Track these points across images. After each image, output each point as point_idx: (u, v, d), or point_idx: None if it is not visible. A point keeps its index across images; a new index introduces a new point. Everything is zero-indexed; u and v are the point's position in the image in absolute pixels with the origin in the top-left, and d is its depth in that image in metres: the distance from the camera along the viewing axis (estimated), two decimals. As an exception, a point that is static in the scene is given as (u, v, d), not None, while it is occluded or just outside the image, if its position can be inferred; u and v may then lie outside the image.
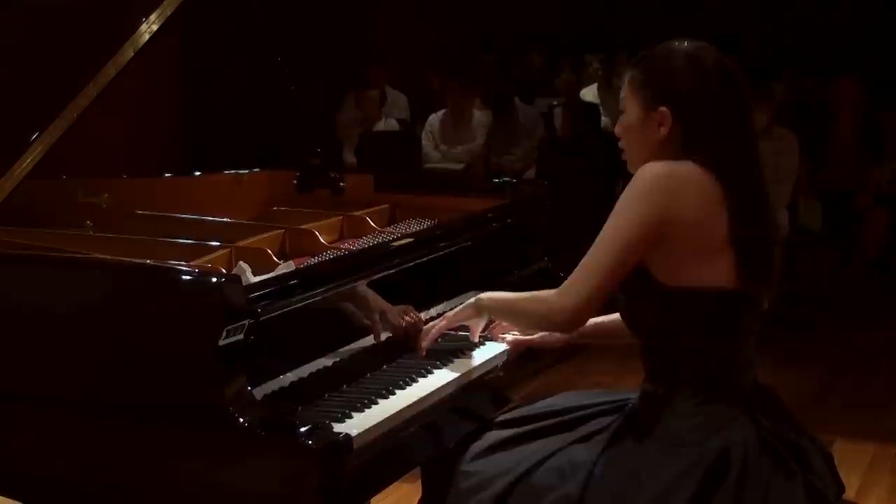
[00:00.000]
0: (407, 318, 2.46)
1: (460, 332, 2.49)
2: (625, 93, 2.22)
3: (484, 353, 2.47)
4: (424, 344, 2.39)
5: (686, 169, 2.08)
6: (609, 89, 8.45)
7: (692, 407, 2.08)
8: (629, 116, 2.20)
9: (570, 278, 2.15)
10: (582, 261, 2.13)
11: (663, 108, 2.12)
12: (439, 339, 2.48)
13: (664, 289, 2.08)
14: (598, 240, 2.11)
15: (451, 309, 2.66)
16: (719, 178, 2.07)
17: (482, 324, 2.47)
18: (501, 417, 2.36)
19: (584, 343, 2.59)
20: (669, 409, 2.10)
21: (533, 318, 2.29)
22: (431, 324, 2.44)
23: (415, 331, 2.44)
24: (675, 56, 2.15)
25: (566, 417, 2.27)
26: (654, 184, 2.07)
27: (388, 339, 2.40)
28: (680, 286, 2.07)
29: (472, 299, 2.40)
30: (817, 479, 2.08)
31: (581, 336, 2.48)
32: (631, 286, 2.13)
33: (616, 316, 2.34)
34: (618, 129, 2.24)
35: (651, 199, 2.06)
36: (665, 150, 2.13)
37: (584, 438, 2.19)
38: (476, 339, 2.46)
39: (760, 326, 2.18)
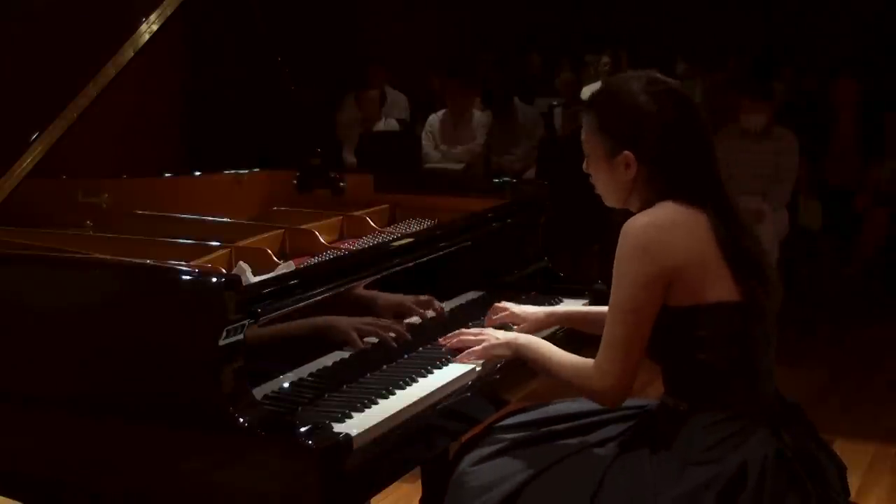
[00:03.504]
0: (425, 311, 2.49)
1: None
2: (584, 136, 2.23)
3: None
4: (455, 358, 2.39)
5: (665, 213, 2.10)
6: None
7: (714, 424, 2.07)
8: (593, 159, 2.22)
9: (600, 356, 2.13)
10: (604, 336, 2.13)
11: (626, 152, 2.14)
12: (440, 339, 2.50)
13: (671, 310, 2.09)
14: (609, 311, 2.12)
15: (450, 309, 2.67)
16: (697, 208, 2.09)
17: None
18: (513, 420, 2.35)
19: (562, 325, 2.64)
20: (691, 425, 2.09)
21: (578, 391, 2.27)
22: (467, 337, 2.42)
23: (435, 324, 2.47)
24: (629, 96, 2.15)
25: (580, 422, 2.27)
26: (641, 241, 2.07)
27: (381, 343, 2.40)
28: (684, 305, 2.08)
29: (513, 339, 2.37)
30: (833, 492, 2.09)
31: (558, 321, 2.59)
32: None
33: (599, 309, 2.41)
34: (587, 168, 2.25)
35: (644, 259, 2.06)
36: (637, 187, 2.16)
37: (598, 444, 2.19)
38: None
39: (776, 336, 2.18)
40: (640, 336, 2.09)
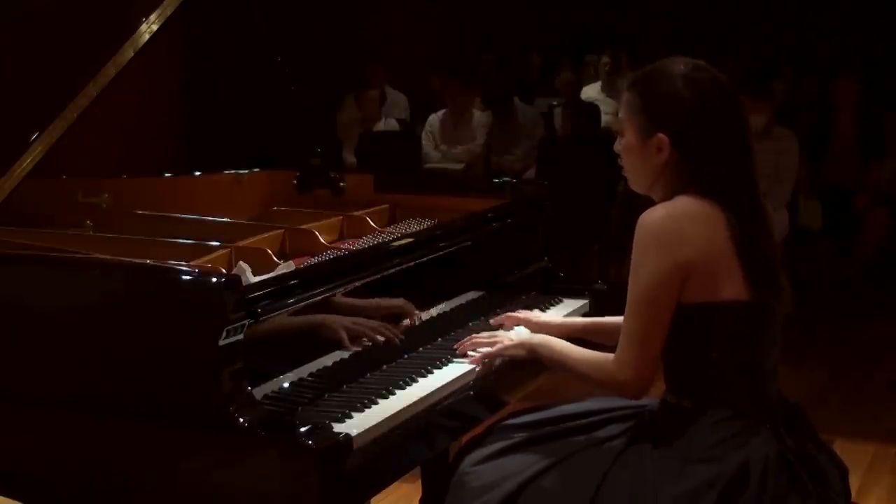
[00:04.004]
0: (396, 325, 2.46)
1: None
2: (622, 115, 2.22)
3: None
4: (467, 357, 2.40)
5: (681, 206, 2.10)
6: (613, 88, 8.42)
7: (717, 422, 2.07)
8: (628, 139, 2.20)
9: (619, 349, 2.14)
10: (623, 328, 2.13)
11: (661, 135, 2.13)
12: (440, 339, 2.50)
13: (683, 306, 2.09)
14: (628, 304, 2.12)
15: (450, 309, 2.67)
16: (718, 203, 2.09)
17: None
18: (514, 421, 2.35)
19: (580, 337, 2.62)
20: (694, 424, 2.09)
21: (597, 385, 2.27)
22: (480, 340, 2.43)
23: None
24: (671, 79, 2.14)
25: (581, 422, 2.27)
26: (656, 232, 2.08)
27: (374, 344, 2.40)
28: (697, 301, 2.08)
29: (527, 339, 2.39)
30: (834, 493, 2.09)
31: (574, 332, 2.54)
32: None
33: (615, 320, 2.37)
34: (618, 148, 2.25)
35: (659, 250, 2.07)
36: (665, 173, 2.16)
37: (599, 443, 2.19)
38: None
39: (781, 337, 2.18)
40: (657, 327, 2.10)
